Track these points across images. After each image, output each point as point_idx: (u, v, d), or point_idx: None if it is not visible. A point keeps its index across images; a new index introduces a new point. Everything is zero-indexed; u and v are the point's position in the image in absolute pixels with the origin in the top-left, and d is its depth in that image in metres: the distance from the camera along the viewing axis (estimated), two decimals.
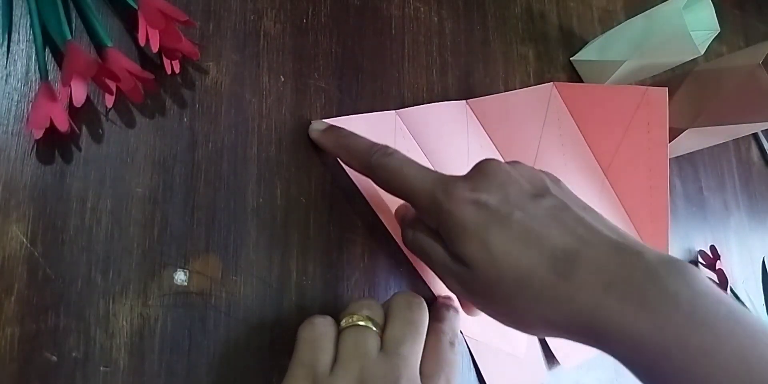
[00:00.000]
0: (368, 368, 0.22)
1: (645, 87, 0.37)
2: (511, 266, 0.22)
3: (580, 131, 0.38)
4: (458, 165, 0.33)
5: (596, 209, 0.25)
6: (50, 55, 0.25)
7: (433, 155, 0.33)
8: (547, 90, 0.37)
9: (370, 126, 0.31)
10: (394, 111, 0.32)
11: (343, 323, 0.24)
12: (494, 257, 0.22)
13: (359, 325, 0.24)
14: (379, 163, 0.26)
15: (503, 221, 0.22)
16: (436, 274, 0.26)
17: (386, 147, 0.26)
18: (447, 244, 0.24)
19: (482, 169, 0.25)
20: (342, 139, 0.28)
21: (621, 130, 0.37)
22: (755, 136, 0.58)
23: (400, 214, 0.30)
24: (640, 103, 0.37)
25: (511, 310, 0.23)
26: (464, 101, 0.35)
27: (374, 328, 0.24)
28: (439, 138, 0.33)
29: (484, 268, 0.22)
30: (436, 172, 0.25)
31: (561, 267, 0.21)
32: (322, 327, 0.24)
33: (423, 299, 0.26)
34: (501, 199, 0.23)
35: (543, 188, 0.24)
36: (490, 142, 0.35)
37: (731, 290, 0.47)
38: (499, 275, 0.22)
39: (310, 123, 0.29)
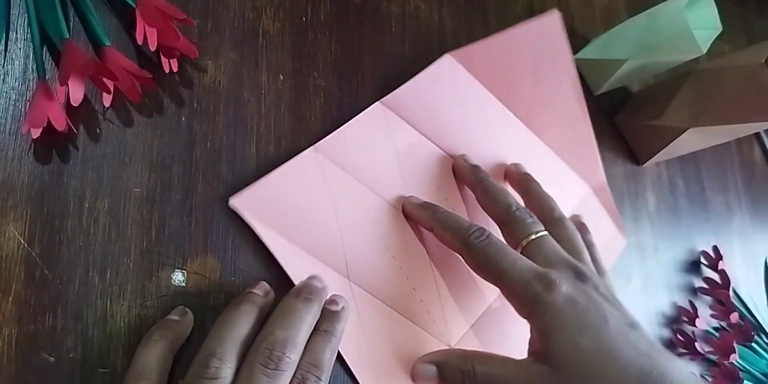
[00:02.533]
0: None
1: (538, 18, 0.35)
2: (597, 374, 0.24)
3: (491, 92, 0.36)
4: (459, 138, 0.34)
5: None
6: (48, 53, 0.24)
7: (428, 131, 0.33)
8: (448, 63, 0.33)
9: (362, 131, 0.30)
10: (378, 102, 0.31)
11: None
12: (581, 362, 0.24)
13: None
14: (475, 245, 0.27)
15: (595, 328, 0.25)
16: None
17: (482, 230, 0.28)
18: (538, 339, 0.26)
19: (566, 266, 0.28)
20: (438, 215, 0.29)
21: (530, 72, 0.36)
22: (757, 135, 0.58)
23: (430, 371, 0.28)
24: (540, 35, 0.35)
25: None
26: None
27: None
28: (431, 113, 0.32)
29: (568, 370, 0.24)
30: (530, 262, 0.27)
31: None
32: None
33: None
34: (590, 303, 0.26)
35: (612, 296, 0.28)
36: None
37: (733, 291, 0.47)
38: (581, 381, 0.24)
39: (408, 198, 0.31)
